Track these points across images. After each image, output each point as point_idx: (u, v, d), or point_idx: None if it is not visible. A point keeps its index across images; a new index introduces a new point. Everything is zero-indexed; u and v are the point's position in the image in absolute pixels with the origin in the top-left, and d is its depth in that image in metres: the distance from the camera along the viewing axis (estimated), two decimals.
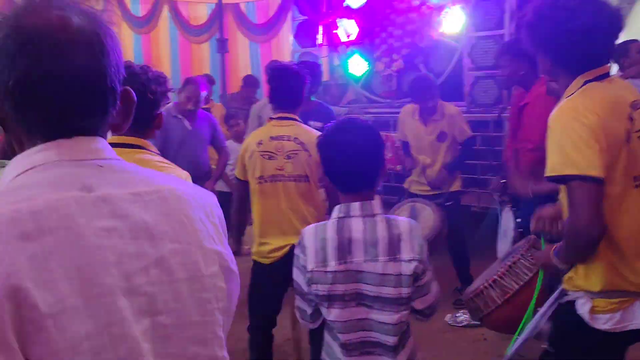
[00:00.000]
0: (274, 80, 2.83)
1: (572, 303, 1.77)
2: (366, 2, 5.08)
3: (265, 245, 2.77)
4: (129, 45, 9.87)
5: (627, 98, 1.66)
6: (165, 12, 9.57)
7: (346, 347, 1.70)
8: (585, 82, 1.66)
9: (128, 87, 0.80)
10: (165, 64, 9.73)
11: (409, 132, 4.15)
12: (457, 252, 4.12)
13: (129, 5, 9.70)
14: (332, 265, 1.64)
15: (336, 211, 1.72)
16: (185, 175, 1.73)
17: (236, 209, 3.01)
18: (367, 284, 1.65)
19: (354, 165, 1.68)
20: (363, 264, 1.64)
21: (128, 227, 0.66)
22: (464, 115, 4.28)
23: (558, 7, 1.64)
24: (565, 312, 1.81)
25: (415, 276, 1.68)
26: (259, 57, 9.14)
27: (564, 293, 1.83)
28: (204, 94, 4.15)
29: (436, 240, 3.79)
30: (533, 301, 2.23)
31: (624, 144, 1.59)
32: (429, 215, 3.84)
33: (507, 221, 3.43)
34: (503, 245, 3.39)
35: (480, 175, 4.55)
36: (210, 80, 5.02)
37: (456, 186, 4.14)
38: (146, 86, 1.76)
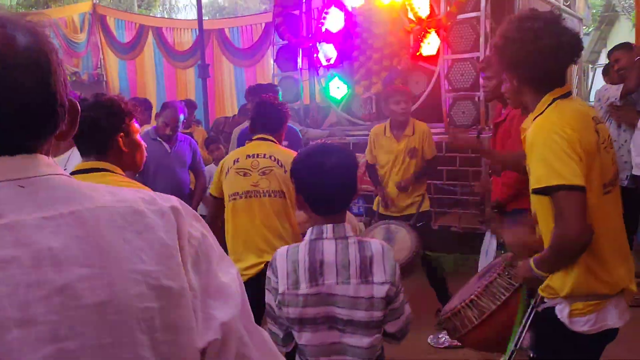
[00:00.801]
0: (259, 112, 2.93)
1: (550, 309, 1.83)
2: (344, 26, 5.15)
3: (240, 262, 2.72)
4: (114, 71, 9.92)
5: (589, 113, 1.79)
6: (150, 39, 9.65)
7: None
8: (554, 100, 1.77)
9: (71, 98, 0.79)
10: (150, 89, 9.79)
11: (380, 149, 4.12)
12: (432, 272, 4.11)
13: (114, 31, 9.77)
14: (304, 287, 1.62)
15: (309, 234, 1.71)
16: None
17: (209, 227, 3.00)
18: (339, 307, 1.63)
19: (327, 189, 1.68)
20: (335, 287, 1.63)
21: (30, 255, 0.65)
22: (444, 136, 4.31)
23: (524, 29, 1.74)
24: (545, 319, 1.86)
25: (388, 299, 1.67)
26: (243, 81, 9.22)
27: (541, 301, 1.88)
28: (181, 117, 4.15)
29: (415, 260, 3.78)
30: (519, 318, 2.24)
31: (597, 154, 1.70)
32: (404, 237, 3.83)
33: (490, 241, 3.44)
34: (484, 264, 3.40)
35: (460, 196, 4.57)
36: (190, 105, 5.04)
37: (425, 206, 4.10)
38: (99, 113, 1.82)
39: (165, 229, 0.75)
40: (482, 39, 4.39)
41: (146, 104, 5.01)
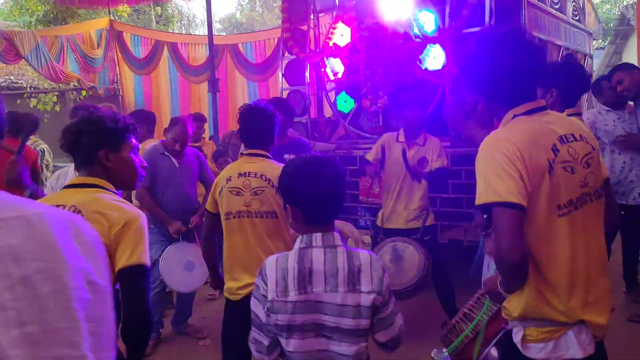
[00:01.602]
0: (243, 121, 2.86)
1: (511, 331, 1.80)
2: (351, 41, 5.22)
3: (234, 281, 2.78)
4: (130, 86, 10.11)
5: (555, 131, 1.72)
6: (165, 54, 9.84)
7: None
8: (515, 116, 1.74)
9: None
10: (164, 103, 9.96)
11: (391, 155, 4.10)
12: (440, 285, 4.10)
13: (130, 47, 9.98)
14: (293, 295, 1.66)
15: (298, 242, 1.75)
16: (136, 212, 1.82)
17: (204, 245, 3.04)
18: (327, 314, 1.67)
19: (323, 197, 1.72)
20: (323, 295, 1.66)
21: None
22: (449, 149, 4.33)
23: (484, 50, 1.75)
24: (506, 340, 1.84)
25: (375, 308, 1.69)
26: (256, 95, 9.35)
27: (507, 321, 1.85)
28: (189, 132, 4.23)
29: (427, 276, 3.78)
30: (482, 330, 2.25)
31: (546, 173, 1.64)
32: (413, 254, 3.83)
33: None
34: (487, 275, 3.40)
35: (466, 209, 4.57)
36: (198, 118, 5.11)
37: (430, 220, 4.10)
38: (83, 129, 1.88)
39: (90, 235, 0.88)
40: None
41: (149, 117, 5.06)
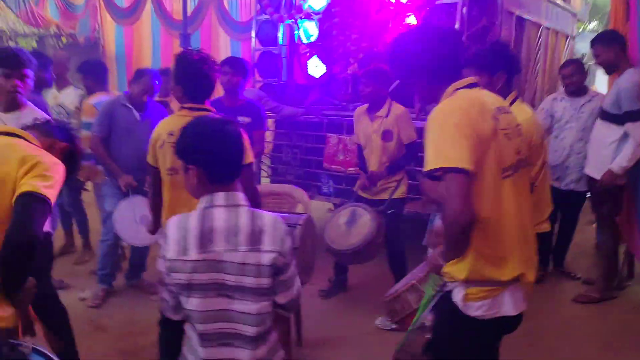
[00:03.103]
0: (184, 72, 2.82)
1: (448, 293, 1.89)
2: (327, 5, 5.11)
3: None
4: (111, 36, 9.90)
5: (492, 103, 1.85)
6: (149, 5, 9.60)
7: (203, 337, 1.72)
8: (455, 90, 1.84)
9: None
10: (146, 56, 9.77)
11: (361, 131, 4.10)
12: (394, 259, 4.13)
13: None
14: (192, 254, 1.65)
15: (201, 202, 1.74)
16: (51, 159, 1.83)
17: (152, 193, 3.04)
18: (228, 273, 1.67)
19: (226, 154, 1.72)
20: (224, 254, 1.66)
21: None
22: (414, 122, 4.31)
23: (412, 39, 1.91)
24: (443, 301, 1.92)
25: (276, 269, 1.70)
26: (240, 54, 9.17)
27: (444, 284, 1.93)
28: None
29: (369, 247, 3.81)
30: (425, 299, 2.30)
31: (492, 139, 1.74)
32: (365, 222, 3.85)
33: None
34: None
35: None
36: (165, 72, 5.01)
37: (399, 193, 4.08)
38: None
39: None
40: (458, 20, 4.35)
41: (97, 68, 4.98)
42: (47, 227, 2.75)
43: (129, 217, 4.01)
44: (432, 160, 1.70)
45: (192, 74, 2.78)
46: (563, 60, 5.99)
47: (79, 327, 3.11)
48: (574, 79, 4.41)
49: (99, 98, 4.58)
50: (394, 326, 3.81)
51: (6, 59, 3.09)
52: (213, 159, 1.72)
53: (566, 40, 6.57)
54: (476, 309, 1.81)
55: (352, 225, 3.90)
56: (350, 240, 3.80)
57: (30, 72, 3.17)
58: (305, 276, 2.95)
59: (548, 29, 5.84)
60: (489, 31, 4.50)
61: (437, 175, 1.71)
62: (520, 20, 5.15)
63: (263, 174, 5.79)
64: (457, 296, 1.84)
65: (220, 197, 1.71)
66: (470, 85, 1.87)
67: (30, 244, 1.69)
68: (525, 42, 5.34)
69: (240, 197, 1.75)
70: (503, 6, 4.63)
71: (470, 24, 4.39)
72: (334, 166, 5.07)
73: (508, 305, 1.83)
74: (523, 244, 1.85)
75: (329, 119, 5.03)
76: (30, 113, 3.16)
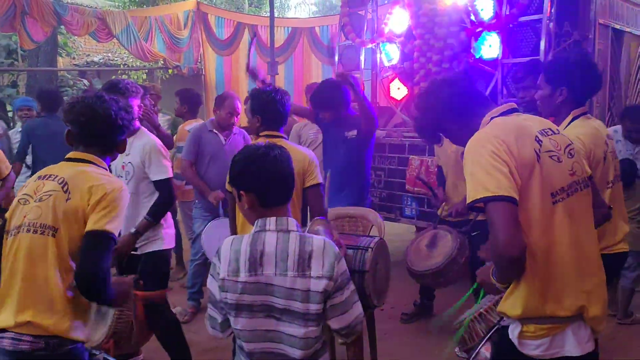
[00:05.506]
0: (259, 106, 3.03)
1: (507, 328, 1.80)
2: (408, 28, 5.12)
3: None
4: (212, 66, 10.53)
5: (533, 126, 1.77)
6: (246, 36, 10.13)
7: (251, 356, 1.79)
8: (492, 118, 1.79)
9: None
10: (242, 84, 10.28)
11: (441, 152, 4.06)
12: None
13: (214, 28, 10.36)
14: (243, 276, 1.73)
15: (255, 226, 1.81)
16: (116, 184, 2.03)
17: (230, 217, 3.22)
18: (276, 296, 1.72)
19: (269, 179, 1.78)
20: (273, 277, 1.72)
21: None
22: None
23: (439, 86, 1.93)
24: (501, 336, 1.84)
25: (326, 294, 1.72)
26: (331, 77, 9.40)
27: (502, 318, 1.87)
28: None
29: (450, 266, 3.71)
30: (469, 318, 2.23)
31: (535, 163, 1.65)
32: (446, 243, 3.77)
33: None
34: None
35: None
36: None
37: (483, 215, 3.98)
38: (117, 114, 2.08)
39: None
40: (542, 42, 4.17)
41: (193, 98, 5.35)
42: (168, 245, 3.06)
43: (215, 238, 4.21)
44: (472, 192, 1.64)
45: (269, 108, 2.99)
46: None
47: None
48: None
49: (192, 124, 4.91)
50: (464, 355, 3.68)
51: (118, 90, 3.39)
52: (263, 185, 1.78)
53: None
54: (534, 348, 1.70)
55: (434, 248, 3.83)
56: (431, 261, 3.73)
57: (135, 101, 3.44)
58: (377, 300, 2.94)
59: None
60: (580, 46, 4.28)
61: (479, 207, 1.64)
62: (618, 33, 4.84)
63: None
64: (514, 333, 1.74)
65: (271, 221, 1.78)
66: (507, 112, 1.80)
67: (94, 277, 1.89)
68: (624, 56, 5.00)
69: (291, 222, 1.80)
70: (596, 19, 4.39)
71: (558, 40, 4.20)
72: (416, 188, 5.00)
73: (571, 344, 1.69)
74: (583, 275, 1.71)
75: (410, 141, 5.00)
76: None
